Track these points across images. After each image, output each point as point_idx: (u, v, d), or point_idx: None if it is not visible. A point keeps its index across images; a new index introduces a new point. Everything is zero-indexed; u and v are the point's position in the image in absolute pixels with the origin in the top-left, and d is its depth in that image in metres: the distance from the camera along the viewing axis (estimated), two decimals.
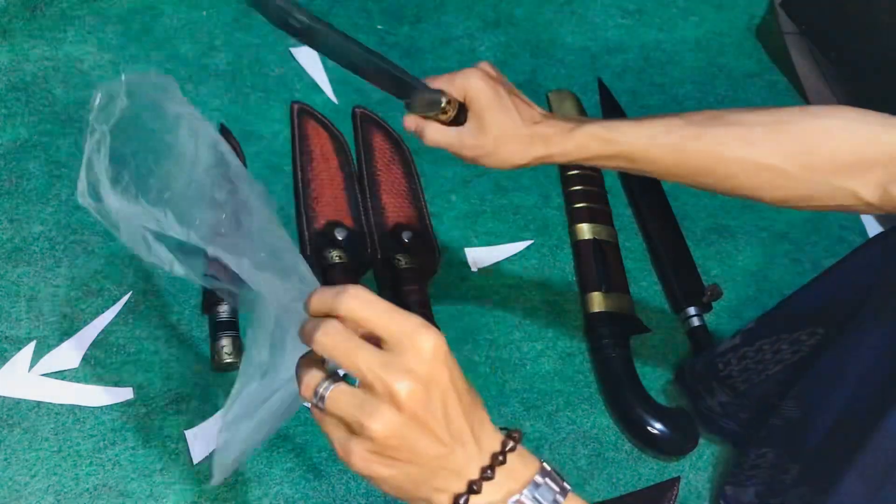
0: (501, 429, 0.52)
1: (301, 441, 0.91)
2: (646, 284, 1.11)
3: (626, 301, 1.07)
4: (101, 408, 0.89)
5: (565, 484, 0.50)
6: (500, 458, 0.49)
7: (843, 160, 0.66)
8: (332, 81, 1.20)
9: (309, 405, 0.49)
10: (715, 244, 1.16)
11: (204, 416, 0.90)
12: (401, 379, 0.46)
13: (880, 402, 0.71)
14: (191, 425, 0.90)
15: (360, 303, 0.47)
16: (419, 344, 0.47)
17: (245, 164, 1.08)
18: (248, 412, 0.62)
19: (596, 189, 1.16)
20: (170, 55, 1.17)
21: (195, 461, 0.88)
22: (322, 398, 0.48)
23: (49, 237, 0.99)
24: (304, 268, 0.62)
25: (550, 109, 1.24)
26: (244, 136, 1.11)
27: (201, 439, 0.89)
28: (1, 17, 1.15)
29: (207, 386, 0.92)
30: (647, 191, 1.18)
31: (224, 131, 1.10)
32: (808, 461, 0.82)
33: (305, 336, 0.49)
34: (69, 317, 0.94)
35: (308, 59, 1.21)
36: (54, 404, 0.89)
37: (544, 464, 0.50)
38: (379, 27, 1.28)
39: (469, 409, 0.49)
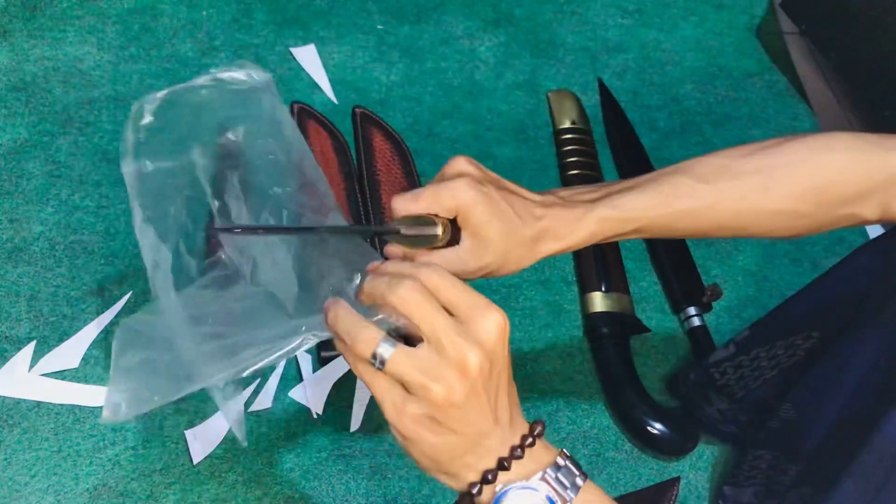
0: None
1: (301, 441, 0.91)
2: (646, 284, 1.11)
3: (626, 301, 1.07)
4: (101, 408, 0.89)
5: (583, 471, 0.53)
6: (530, 439, 0.52)
7: (852, 191, 0.67)
8: (332, 81, 1.20)
9: (350, 362, 0.51)
10: (715, 244, 1.16)
11: (204, 417, 0.90)
12: (473, 348, 0.48)
13: (877, 406, 0.71)
14: (191, 425, 0.90)
15: (441, 273, 0.50)
16: (490, 319, 0.49)
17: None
18: (197, 328, 0.57)
19: None
20: (170, 55, 1.17)
21: (195, 461, 0.88)
22: (382, 359, 0.48)
23: (49, 237, 0.99)
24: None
25: (550, 109, 1.24)
26: None
27: (201, 439, 0.89)
28: (1, 17, 1.15)
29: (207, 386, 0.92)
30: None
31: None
32: (806, 463, 0.82)
33: (380, 290, 0.50)
34: (69, 317, 0.94)
35: (308, 59, 1.21)
36: (54, 404, 0.89)
37: (563, 451, 0.53)
38: (379, 27, 1.28)
39: (511, 395, 0.52)
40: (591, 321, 1.04)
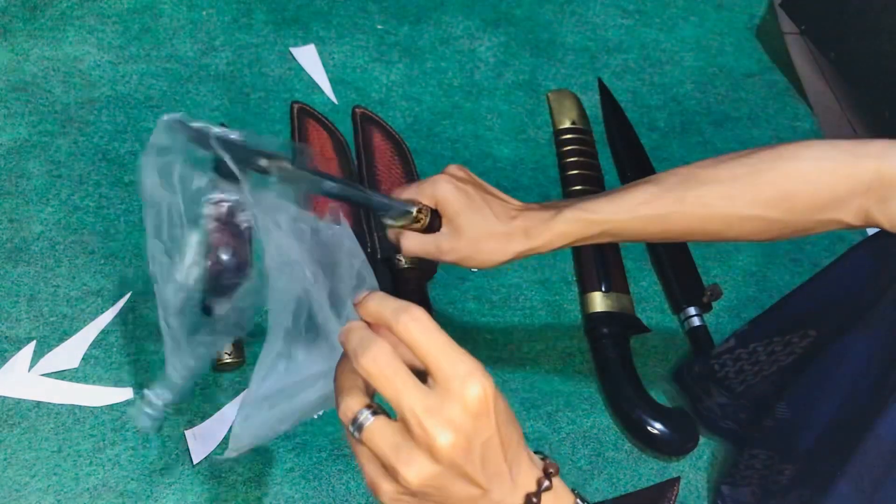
0: (537, 452, 0.51)
1: (301, 441, 0.91)
2: (646, 284, 1.11)
3: (626, 301, 1.07)
4: (101, 408, 0.89)
5: None
6: (534, 499, 0.48)
7: (822, 199, 0.68)
8: (332, 81, 1.20)
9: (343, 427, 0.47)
10: (715, 244, 1.16)
11: (204, 417, 0.90)
12: (443, 431, 0.44)
13: (870, 407, 0.71)
14: (191, 425, 0.90)
15: (420, 327, 0.45)
16: (468, 393, 0.44)
17: None
18: (270, 400, 0.61)
19: (596, 189, 1.16)
20: (170, 55, 1.17)
21: (195, 461, 0.88)
22: (360, 428, 0.46)
23: (49, 237, 0.99)
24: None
25: (550, 109, 1.24)
26: None
27: (201, 439, 0.89)
28: (1, 17, 1.15)
29: (207, 386, 0.92)
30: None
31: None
32: (801, 463, 0.82)
33: (350, 350, 0.46)
34: (69, 317, 0.94)
35: (308, 59, 1.21)
36: (54, 404, 0.89)
37: (578, 500, 0.50)
38: (379, 27, 1.28)
39: (508, 448, 0.47)
40: (591, 321, 1.04)
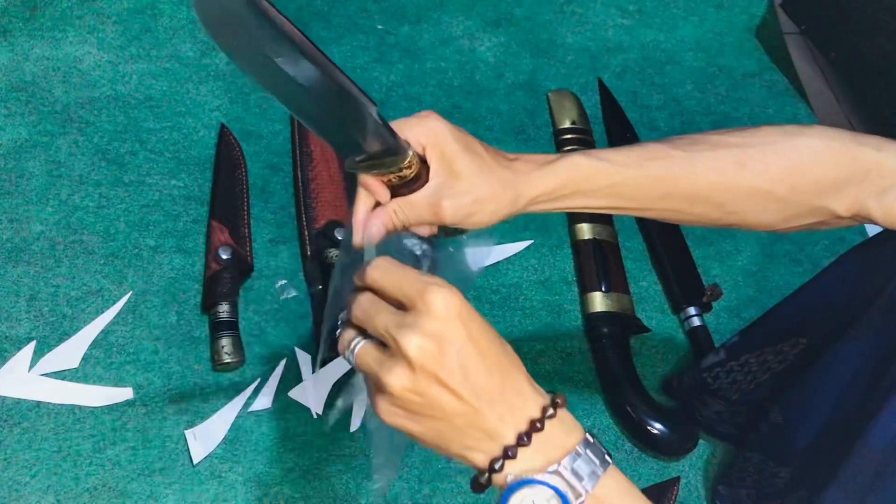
0: (549, 392, 0.51)
1: (301, 441, 0.91)
2: (646, 284, 1.11)
3: (626, 301, 1.07)
4: (101, 408, 0.89)
5: (606, 456, 0.50)
6: (538, 424, 0.48)
7: (825, 181, 0.66)
8: None
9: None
10: (715, 244, 1.16)
11: (204, 417, 0.90)
12: (412, 336, 0.47)
13: (860, 414, 0.71)
14: (191, 425, 0.90)
15: (380, 272, 0.51)
16: (430, 301, 0.48)
17: (245, 165, 1.08)
18: None
19: None
20: (170, 55, 1.17)
21: (195, 461, 0.88)
22: (353, 353, 0.51)
23: (49, 237, 0.99)
24: None
25: (550, 109, 1.24)
26: (244, 136, 1.11)
27: (201, 439, 0.89)
28: (1, 17, 1.15)
29: (207, 386, 0.92)
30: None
31: (224, 131, 1.10)
32: (795, 466, 0.82)
33: (348, 309, 0.53)
34: (69, 317, 0.94)
35: None
36: (54, 404, 0.89)
37: (587, 434, 0.50)
38: (379, 27, 1.28)
39: (495, 368, 0.49)
40: (591, 321, 1.04)
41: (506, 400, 0.49)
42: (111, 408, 0.89)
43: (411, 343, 0.47)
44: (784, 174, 0.66)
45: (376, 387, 0.50)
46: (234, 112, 1.13)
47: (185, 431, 0.89)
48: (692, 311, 1.07)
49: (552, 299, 1.07)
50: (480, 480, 0.49)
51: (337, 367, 0.96)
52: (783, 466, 0.83)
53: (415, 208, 0.59)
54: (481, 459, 0.49)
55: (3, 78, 1.10)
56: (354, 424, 0.93)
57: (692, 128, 1.27)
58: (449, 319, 0.48)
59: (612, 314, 1.05)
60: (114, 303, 0.95)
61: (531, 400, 0.50)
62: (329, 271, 0.99)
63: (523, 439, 0.48)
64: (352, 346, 0.51)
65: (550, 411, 0.49)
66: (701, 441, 0.98)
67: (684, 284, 1.10)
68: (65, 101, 1.10)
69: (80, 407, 0.89)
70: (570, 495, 0.48)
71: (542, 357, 1.03)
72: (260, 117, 1.14)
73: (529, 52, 1.30)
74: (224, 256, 0.98)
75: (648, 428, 0.96)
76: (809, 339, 0.82)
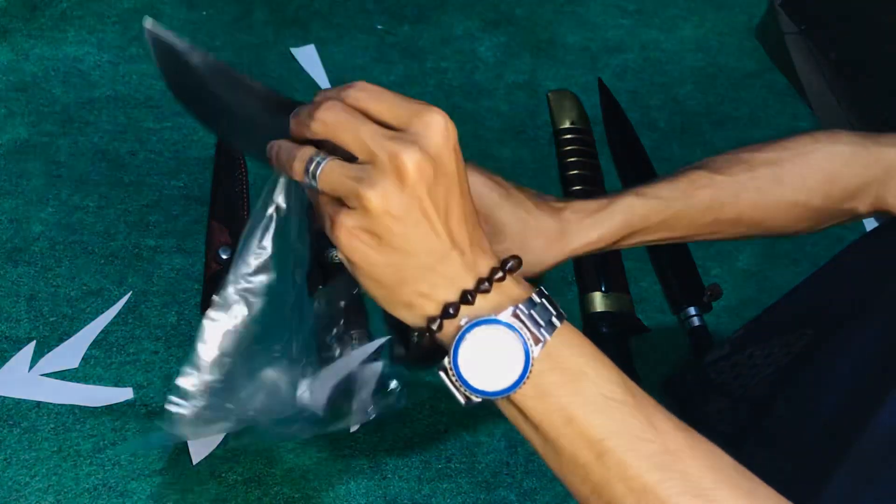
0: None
1: (301, 441, 0.91)
2: (646, 284, 1.11)
3: (626, 301, 1.07)
4: (101, 408, 0.89)
5: (560, 310, 0.47)
6: (500, 273, 0.46)
7: (853, 185, 0.69)
8: (332, 82, 1.20)
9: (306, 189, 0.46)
10: (715, 244, 1.16)
11: None
12: (408, 148, 0.42)
13: (868, 402, 0.71)
14: None
15: (367, 93, 0.45)
16: (430, 120, 0.43)
17: (245, 165, 1.08)
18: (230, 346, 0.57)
19: (596, 189, 1.16)
20: None
21: (195, 461, 0.88)
22: (317, 170, 0.44)
23: (49, 237, 0.99)
24: None
25: (550, 109, 1.24)
26: None
27: (201, 439, 0.89)
28: (1, 17, 1.15)
29: None
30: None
31: None
32: (801, 459, 0.82)
33: (299, 120, 0.45)
34: (69, 317, 0.94)
35: (308, 59, 1.21)
36: (54, 404, 0.89)
37: (541, 288, 0.47)
38: (379, 27, 1.28)
39: (470, 217, 0.46)
40: (591, 321, 1.04)
41: (471, 243, 0.45)
42: (111, 408, 0.89)
43: (411, 157, 0.42)
44: (819, 184, 0.68)
45: (345, 204, 0.44)
46: None
47: None
48: (692, 311, 1.07)
49: None
50: (431, 326, 0.45)
51: (336, 368, 0.96)
52: (788, 461, 0.83)
53: None
54: (432, 308, 0.45)
55: (3, 78, 1.10)
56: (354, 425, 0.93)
57: (692, 128, 1.27)
58: (445, 145, 0.43)
59: (612, 314, 1.05)
60: (114, 303, 0.95)
61: (489, 255, 0.47)
62: (329, 271, 0.99)
63: (484, 285, 0.45)
64: (313, 164, 0.44)
65: (511, 262, 0.46)
66: None
67: (684, 284, 1.10)
68: (65, 101, 1.10)
69: (80, 407, 0.89)
70: (530, 339, 0.45)
71: None
72: None
73: (529, 52, 1.30)
74: (224, 256, 0.98)
75: None
76: (815, 331, 0.82)
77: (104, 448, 0.87)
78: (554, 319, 0.46)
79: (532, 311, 0.46)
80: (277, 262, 0.54)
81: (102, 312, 0.95)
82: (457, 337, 0.45)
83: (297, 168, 0.45)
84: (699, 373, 0.94)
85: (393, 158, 0.42)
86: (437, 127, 0.43)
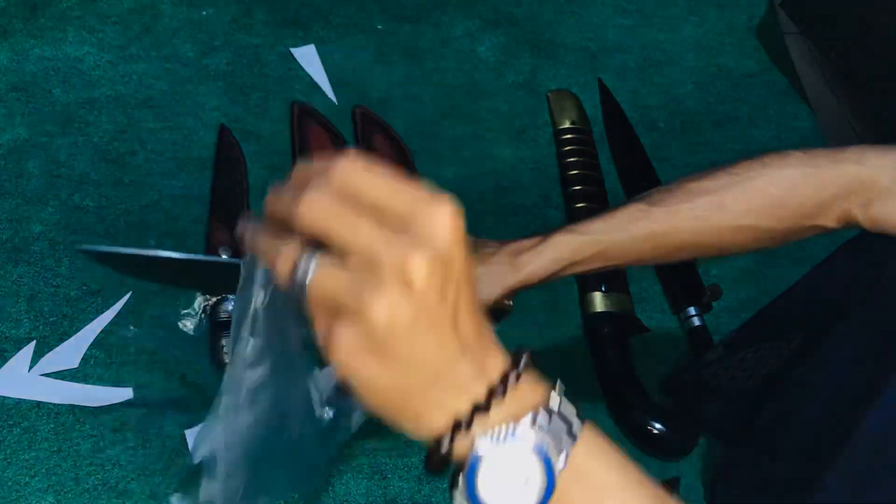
0: (512, 350, 0.44)
1: None
2: (646, 284, 1.11)
3: (626, 301, 1.07)
4: (101, 408, 0.89)
5: (580, 408, 0.43)
6: (515, 376, 0.41)
7: (809, 205, 0.70)
8: (332, 82, 1.20)
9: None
10: None
11: (204, 417, 0.90)
12: (419, 251, 0.36)
13: (855, 408, 0.71)
14: (191, 425, 0.90)
15: (360, 174, 0.38)
16: (439, 213, 0.37)
17: (245, 165, 1.08)
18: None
19: (596, 189, 1.16)
20: (170, 55, 1.17)
21: (195, 461, 0.88)
22: (306, 273, 0.37)
23: (49, 237, 0.99)
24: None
25: (550, 109, 1.24)
26: (244, 136, 1.11)
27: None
28: (1, 17, 1.15)
29: (207, 386, 0.92)
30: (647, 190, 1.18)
31: (224, 131, 1.10)
32: (793, 461, 0.82)
33: (280, 200, 0.39)
34: (69, 317, 0.94)
35: (308, 59, 1.21)
36: (54, 404, 0.89)
37: (554, 386, 0.43)
38: (379, 27, 1.28)
39: (476, 308, 0.40)
40: (591, 321, 1.04)
41: (480, 344, 0.41)
42: (111, 408, 0.89)
43: (421, 262, 0.36)
44: (765, 208, 0.70)
45: (344, 316, 0.37)
46: (234, 112, 1.13)
47: (185, 431, 0.89)
48: (692, 311, 1.07)
49: (552, 299, 1.07)
50: (440, 450, 0.40)
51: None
52: (780, 462, 0.83)
53: None
54: (441, 422, 0.39)
55: (3, 78, 1.10)
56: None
57: (692, 128, 1.27)
58: (456, 242, 0.37)
59: (612, 314, 1.05)
60: (114, 303, 0.95)
61: (496, 347, 0.42)
62: None
63: (498, 392, 0.40)
64: (301, 266, 0.37)
65: (525, 357, 0.42)
66: (701, 441, 0.98)
67: (684, 284, 1.10)
68: (65, 101, 1.10)
69: (80, 407, 0.89)
70: (552, 451, 0.40)
71: (541, 357, 1.02)
72: (260, 117, 1.14)
73: (529, 52, 1.30)
74: (224, 256, 0.98)
75: (648, 428, 0.96)
76: (805, 335, 0.83)
77: (104, 448, 0.87)
78: (574, 427, 0.41)
79: (552, 420, 0.41)
80: (272, 346, 0.49)
81: (102, 312, 0.95)
82: (470, 461, 0.40)
83: (282, 270, 0.38)
84: (694, 375, 0.94)
85: (399, 264, 0.36)
86: (446, 221, 0.37)
